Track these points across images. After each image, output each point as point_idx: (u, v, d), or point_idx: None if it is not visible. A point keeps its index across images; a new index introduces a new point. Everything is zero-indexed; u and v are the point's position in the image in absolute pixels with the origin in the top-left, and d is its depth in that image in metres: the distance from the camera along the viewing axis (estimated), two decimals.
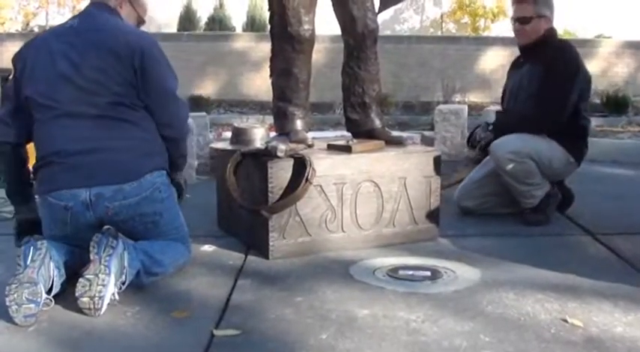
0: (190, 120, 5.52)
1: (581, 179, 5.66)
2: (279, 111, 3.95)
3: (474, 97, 11.56)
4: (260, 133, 3.81)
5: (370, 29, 3.89)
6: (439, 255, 3.65)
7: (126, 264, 2.86)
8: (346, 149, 3.72)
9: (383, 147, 3.86)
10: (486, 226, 4.24)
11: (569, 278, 3.29)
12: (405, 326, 2.70)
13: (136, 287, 3.05)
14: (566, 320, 2.78)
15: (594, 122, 8.67)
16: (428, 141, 6.54)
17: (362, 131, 4.02)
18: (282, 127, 3.93)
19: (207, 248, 3.75)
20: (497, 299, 3.01)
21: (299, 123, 3.91)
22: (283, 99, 3.92)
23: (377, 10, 3.98)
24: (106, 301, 2.76)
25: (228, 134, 5.81)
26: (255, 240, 3.64)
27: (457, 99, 10.96)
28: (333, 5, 3.92)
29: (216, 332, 2.64)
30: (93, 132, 2.97)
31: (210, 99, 10.72)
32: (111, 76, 2.99)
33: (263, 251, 3.55)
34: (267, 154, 3.51)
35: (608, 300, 3.01)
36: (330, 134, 4.87)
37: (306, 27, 3.79)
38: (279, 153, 3.45)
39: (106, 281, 2.73)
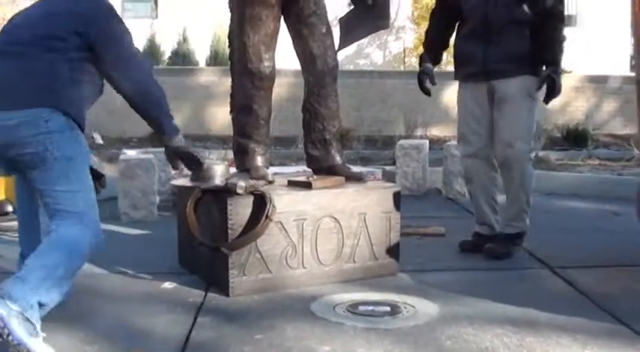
0: (152, 156, 5.53)
1: (540, 212, 5.75)
2: (240, 148, 3.97)
3: (436, 131, 11.67)
4: (220, 170, 3.80)
5: (330, 67, 3.93)
6: (399, 290, 3.67)
7: (25, 314, 2.66)
8: (306, 185, 3.74)
9: (343, 183, 3.88)
10: (446, 261, 4.28)
11: (527, 312, 3.32)
12: None
13: (95, 326, 3.03)
14: None
15: (555, 155, 8.79)
16: (389, 176, 6.59)
17: (322, 167, 4.05)
18: (243, 163, 3.95)
19: (168, 285, 3.73)
20: (456, 334, 3.03)
21: (259, 160, 3.93)
22: (244, 136, 3.94)
23: (337, 48, 4.02)
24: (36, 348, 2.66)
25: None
26: (215, 277, 3.64)
27: (419, 134, 11.04)
28: (294, 42, 3.96)
29: None
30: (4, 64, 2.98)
31: None
32: (56, 23, 3.02)
33: (223, 288, 3.54)
34: (226, 191, 3.51)
35: (566, 334, 3.04)
36: (291, 169, 4.89)
37: (266, 64, 3.82)
38: (238, 190, 3.46)
39: (21, 344, 2.61)
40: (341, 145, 4.16)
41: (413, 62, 17.30)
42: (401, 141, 6.64)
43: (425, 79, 4.41)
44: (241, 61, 3.85)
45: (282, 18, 3.89)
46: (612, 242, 4.78)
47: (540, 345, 2.92)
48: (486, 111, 4.32)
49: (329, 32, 3.95)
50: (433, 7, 4.57)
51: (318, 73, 3.93)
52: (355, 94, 11.61)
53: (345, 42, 4.05)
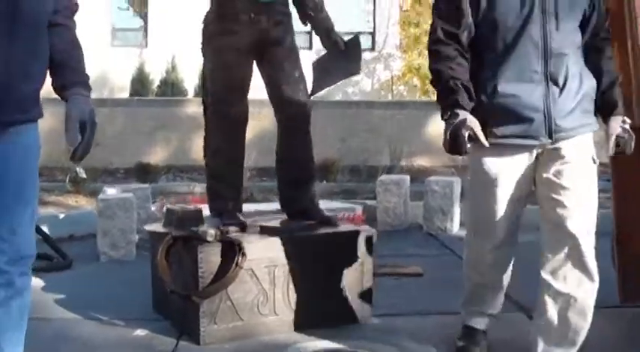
0: (131, 194, 5.54)
1: (524, 248, 5.74)
2: (212, 191, 4.00)
3: (422, 161, 11.68)
4: (193, 216, 3.82)
5: (303, 111, 3.96)
6: (370, 339, 3.65)
7: None
8: (280, 232, 3.75)
9: (316, 227, 3.89)
10: (422, 303, 4.26)
11: None
12: None
13: None
14: None
15: None
16: (371, 211, 6.59)
17: (295, 209, 4.06)
18: (215, 208, 3.97)
19: (140, 332, 3.73)
20: None
21: (231, 204, 3.95)
22: (217, 179, 3.97)
23: (310, 92, 4.05)
24: None
25: (173, 207, 5.83)
26: (186, 325, 3.64)
27: (404, 163, 11.05)
28: (267, 87, 3.99)
29: None
30: None
31: (158, 166, 10.69)
32: None
33: (194, 336, 3.54)
34: (197, 238, 3.52)
35: None
36: (272, 207, 4.89)
37: (239, 109, 3.86)
38: (208, 238, 3.48)
39: None
40: (314, 188, 4.17)
41: (400, 90, 17.35)
42: (381, 177, 6.66)
43: (464, 137, 2.88)
44: (214, 106, 3.88)
45: (254, 63, 3.93)
46: None
47: None
48: (527, 190, 3.14)
49: (302, 77, 3.99)
50: (433, 34, 3.04)
51: (291, 117, 3.96)
52: (341, 124, 11.64)
53: (318, 87, 4.08)
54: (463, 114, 2.88)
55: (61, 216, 6.27)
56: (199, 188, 8.21)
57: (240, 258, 3.46)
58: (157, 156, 11.59)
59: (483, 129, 2.90)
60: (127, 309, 4.09)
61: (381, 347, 3.51)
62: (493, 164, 3.03)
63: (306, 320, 3.75)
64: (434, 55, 3.02)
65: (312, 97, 4.05)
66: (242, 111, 3.87)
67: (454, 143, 2.88)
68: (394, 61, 17.81)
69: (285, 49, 3.93)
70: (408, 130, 12.00)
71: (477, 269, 3.43)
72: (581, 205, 2.97)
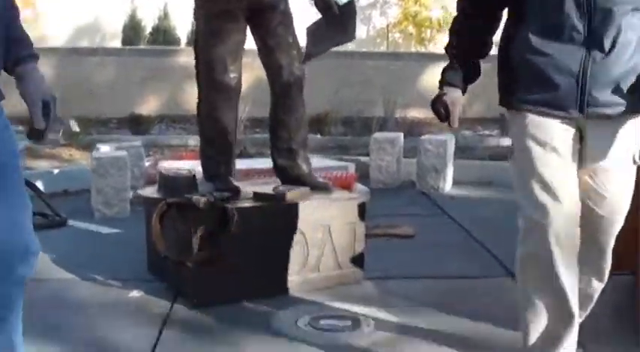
0: (125, 153, 5.57)
1: (514, 208, 5.81)
2: (206, 156, 4.04)
3: (416, 113, 11.66)
4: (187, 181, 3.86)
5: (296, 77, 3.98)
6: (361, 300, 3.73)
7: None
8: (272, 198, 3.79)
9: (308, 194, 3.93)
10: (412, 267, 4.33)
11: (483, 330, 3.38)
12: None
13: (63, 341, 3.12)
14: None
15: None
16: (364, 169, 6.63)
17: (289, 176, 4.10)
18: (209, 172, 4.01)
19: (135, 293, 3.80)
20: None
21: (224, 169, 3.99)
22: (210, 145, 4.01)
23: (303, 58, 4.05)
24: None
25: (166, 164, 5.86)
26: (181, 288, 3.71)
27: (397, 115, 11.05)
28: (260, 53, 4.00)
29: None
30: None
31: (151, 116, 10.68)
32: None
33: (189, 299, 3.61)
34: (191, 205, 3.57)
35: None
36: (264, 164, 4.91)
37: (232, 75, 3.87)
38: (201, 205, 3.52)
39: None
40: (308, 154, 4.20)
41: (396, 37, 17.22)
42: (375, 135, 6.69)
43: (440, 109, 2.73)
44: (207, 73, 3.90)
45: (247, 29, 3.93)
46: None
47: None
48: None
49: (295, 43, 3.99)
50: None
51: (284, 84, 3.98)
52: (335, 76, 11.61)
53: (312, 53, 4.09)
54: (447, 90, 2.73)
55: (56, 171, 6.31)
56: (192, 140, 8.24)
57: (233, 225, 3.51)
58: (149, 106, 11.58)
59: (511, 95, 2.64)
60: (122, 270, 4.16)
61: (370, 311, 3.58)
62: (524, 135, 2.60)
63: (299, 284, 3.82)
64: (453, 21, 2.80)
65: (305, 63, 4.05)
66: (236, 77, 3.88)
67: (435, 114, 2.75)
68: (390, 8, 17.67)
69: (278, 14, 3.93)
70: (402, 81, 11.97)
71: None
72: (614, 215, 2.70)
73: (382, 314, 3.56)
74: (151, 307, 3.63)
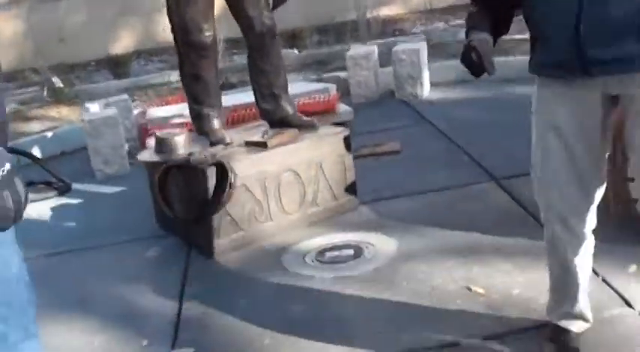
0: (114, 110, 5.78)
1: (491, 105, 6.05)
2: (195, 113, 4.27)
3: (387, 11, 11.73)
4: (182, 141, 4.11)
5: (268, 27, 4.17)
6: (360, 227, 4.05)
7: None
8: (262, 145, 4.06)
9: (297, 135, 4.19)
10: (401, 185, 4.60)
11: (473, 238, 3.71)
12: (335, 321, 3.13)
13: (91, 312, 3.45)
14: (470, 289, 3.23)
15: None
16: (344, 85, 6.82)
17: (275, 119, 4.34)
18: (201, 127, 4.26)
19: (152, 253, 4.10)
20: (411, 274, 3.45)
21: (215, 123, 4.24)
22: (197, 102, 4.24)
23: (272, 6, 4.24)
24: None
25: (153, 111, 6.09)
26: (193, 241, 4.01)
27: (369, 16, 11.12)
28: (230, 9, 4.18)
29: None
30: None
31: (127, 53, 10.79)
32: None
33: (203, 251, 3.92)
34: (190, 165, 3.83)
35: (507, 260, 3.45)
36: (248, 99, 5.11)
37: (206, 34, 4.07)
38: (200, 166, 3.78)
39: None
40: (289, 95, 4.43)
41: None
42: (350, 52, 6.86)
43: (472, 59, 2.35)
44: (183, 35, 4.09)
45: None
46: None
47: (485, 276, 3.33)
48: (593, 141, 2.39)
49: None
50: None
51: (257, 35, 4.18)
52: None
53: (277, 3, 4.26)
54: (473, 37, 2.38)
55: (49, 134, 6.50)
56: (174, 76, 8.37)
57: (232, 179, 3.78)
58: (124, 43, 11.63)
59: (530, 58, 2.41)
60: (134, 229, 4.44)
61: (369, 237, 3.89)
62: (544, 107, 2.45)
63: (300, 220, 4.13)
64: None
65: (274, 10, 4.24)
66: (210, 36, 4.08)
67: (467, 68, 2.42)
68: None
69: None
70: None
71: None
72: None
73: (380, 238, 3.87)
74: (169, 263, 3.95)
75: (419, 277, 3.41)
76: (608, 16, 2.12)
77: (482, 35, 2.39)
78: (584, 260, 2.65)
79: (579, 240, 2.58)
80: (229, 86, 7.46)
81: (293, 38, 9.72)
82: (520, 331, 2.88)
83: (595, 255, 3.22)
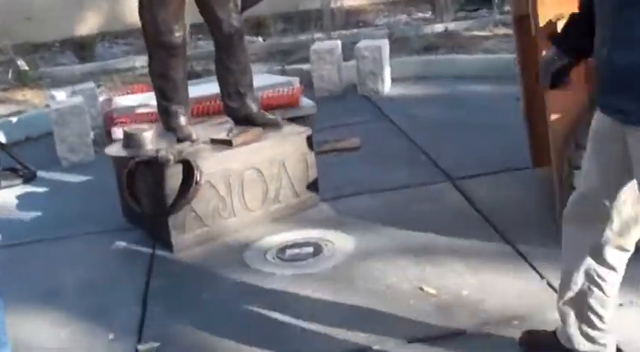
0: (80, 99, 5.87)
1: (449, 102, 6.25)
2: (163, 110, 4.40)
3: (352, 1, 11.81)
4: (150, 136, 4.23)
5: (236, 29, 4.31)
6: (320, 224, 4.22)
7: None
8: (227, 143, 4.19)
9: (261, 134, 4.33)
10: (361, 182, 4.77)
11: (428, 238, 3.89)
12: (294, 318, 3.27)
13: (61, 305, 3.56)
14: (422, 289, 3.41)
15: (463, 25, 9.12)
16: (308, 78, 6.96)
17: (240, 117, 4.49)
18: (168, 123, 4.39)
19: (118, 244, 4.22)
20: (367, 273, 3.62)
21: (182, 120, 4.37)
22: (165, 99, 4.36)
23: (240, 8, 4.37)
24: None
25: (119, 100, 6.17)
26: (159, 235, 4.14)
27: (333, 6, 11.22)
28: (200, 11, 4.31)
29: (140, 348, 3.17)
30: None
31: (92, 34, 10.80)
32: None
33: (168, 245, 4.05)
34: (158, 162, 3.95)
35: (460, 260, 3.64)
36: (213, 90, 5.21)
37: (176, 34, 4.19)
38: (168, 163, 3.91)
39: None
40: (254, 94, 4.57)
41: None
42: (314, 46, 7.00)
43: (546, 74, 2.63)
44: (154, 35, 4.21)
45: None
46: (509, 139, 4.81)
47: (437, 276, 3.52)
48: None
49: None
50: None
51: (225, 36, 4.31)
52: None
53: (246, 4, 4.39)
54: (554, 53, 2.62)
55: (14, 119, 6.56)
56: (139, 61, 8.44)
57: (198, 176, 3.92)
58: (89, 24, 11.62)
59: None
60: (101, 221, 4.54)
61: (329, 234, 4.05)
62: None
63: (263, 217, 4.28)
64: None
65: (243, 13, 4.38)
66: (180, 36, 4.21)
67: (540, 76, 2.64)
68: None
69: None
70: None
71: None
72: None
73: (339, 236, 4.04)
74: (134, 256, 4.07)
75: (374, 276, 3.58)
76: (616, 65, 2.23)
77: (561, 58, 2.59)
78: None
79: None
80: (194, 75, 7.55)
81: (258, 26, 9.83)
82: (465, 332, 3.06)
83: (541, 258, 3.47)
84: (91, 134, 5.93)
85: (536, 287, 3.37)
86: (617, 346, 2.78)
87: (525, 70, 4.17)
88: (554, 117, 3.61)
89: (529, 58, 3.97)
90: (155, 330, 3.31)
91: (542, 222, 3.89)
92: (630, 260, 3.25)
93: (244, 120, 4.47)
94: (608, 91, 2.30)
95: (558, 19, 3.40)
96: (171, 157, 3.92)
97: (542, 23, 3.49)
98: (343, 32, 9.31)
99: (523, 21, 3.82)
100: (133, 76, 8.23)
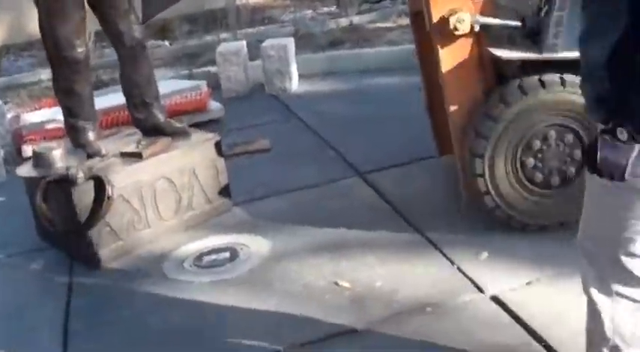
0: None
1: (355, 98, 6.38)
2: (71, 126, 4.40)
3: None
4: (59, 154, 4.23)
5: (137, 40, 4.34)
6: (234, 228, 4.29)
7: None
8: (137, 156, 4.24)
9: (170, 144, 4.38)
10: (272, 184, 4.84)
11: (340, 234, 4.01)
12: (213, 326, 3.36)
13: None
14: (337, 284, 3.53)
15: (367, 18, 9.26)
16: (215, 80, 7.00)
17: (148, 127, 4.53)
18: (76, 140, 4.40)
19: (35, 266, 4.22)
20: (284, 274, 3.72)
21: (91, 135, 4.38)
22: (72, 116, 4.37)
23: (141, 20, 4.40)
24: None
25: (28, 116, 6.14)
26: (76, 253, 4.16)
27: (239, 3, 11.26)
28: (101, 24, 4.33)
29: None
30: None
31: None
32: None
33: (85, 262, 4.07)
34: (68, 180, 3.97)
35: (371, 253, 3.77)
36: (120, 100, 5.22)
37: (79, 50, 4.20)
38: (78, 181, 3.93)
39: None
40: (161, 104, 4.61)
41: None
42: (219, 48, 7.05)
43: None
44: (55, 51, 4.20)
45: (85, 4, 4.22)
46: (415, 130, 4.88)
47: (351, 270, 3.64)
48: None
49: (131, 8, 4.32)
50: None
51: (127, 48, 4.34)
52: None
53: (149, 13, 4.42)
54: None
55: None
56: (45, 74, 8.34)
57: (110, 192, 3.96)
58: None
59: None
60: (17, 241, 4.51)
61: (243, 238, 4.14)
62: None
63: (177, 226, 4.34)
64: None
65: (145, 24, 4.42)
66: (83, 51, 4.21)
67: None
68: None
69: None
70: None
71: None
72: None
73: (254, 239, 4.12)
74: (52, 276, 4.08)
75: (291, 276, 3.69)
76: None
77: None
78: None
79: None
80: (101, 85, 7.52)
81: (163, 30, 9.80)
82: (380, 323, 3.19)
83: (451, 244, 3.63)
84: (1, 152, 5.87)
85: (447, 273, 3.54)
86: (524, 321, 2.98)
87: (423, 63, 4.32)
88: (452, 108, 3.76)
89: (426, 52, 4.11)
90: (78, 350, 3.35)
91: (450, 209, 4.07)
92: (535, 238, 3.47)
93: (152, 130, 4.51)
94: None
95: (451, 15, 3.58)
96: (81, 175, 3.95)
97: (435, 19, 3.62)
98: (250, 30, 9.37)
99: (419, 16, 3.94)
100: (39, 89, 8.13)
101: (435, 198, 4.32)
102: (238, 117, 6.20)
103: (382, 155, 5.01)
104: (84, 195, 3.98)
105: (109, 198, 3.96)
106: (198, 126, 5.59)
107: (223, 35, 9.06)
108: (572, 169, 3.68)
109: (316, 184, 4.75)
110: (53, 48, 4.21)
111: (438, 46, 3.68)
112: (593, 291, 2.18)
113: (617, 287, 2.13)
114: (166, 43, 9.62)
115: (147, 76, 4.47)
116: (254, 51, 7.30)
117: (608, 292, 2.15)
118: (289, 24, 9.53)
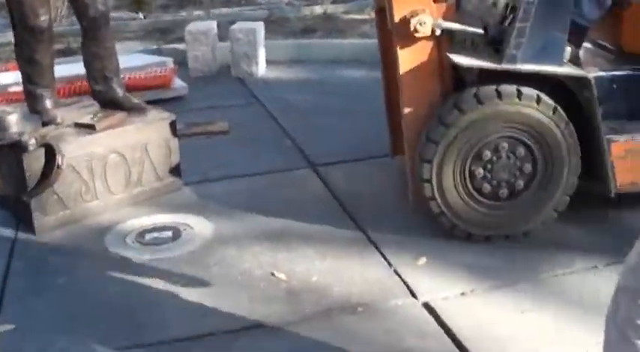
0: None
1: (321, 88, 6.41)
2: (30, 93, 4.42)
3: None
4: (14, 119, 4.22)
5: (101, 12, 4.36)
6: (181, 208, 4.33)
7: None
8: (91, 127, 4.26)
9: (125, 119, 4.41)
10: (227, 166, 4.88)
11: (284, 224, 4.06)
12: (147, 303, 3.41)
13: None
14: (273, 274, 3.59)
15: (342, 8, 9.27)
16: (183, 56, 7.01)
17: (106, 100, 4.55)
18: (33, 106, 4.42)
19: None
20: (222, 259, 3.76)
21: (48, 103, 4.40)
22: (32, 83, 4.39)
23: None
24: None
25: None
26: (22, 217, 4.17)
27: None
28: None
29: None
30: None
31: None
32: None
33: (30, 227, 4.09)
34: (20, 146, 3.99)
35: (311, 246, 3.82)
36: (83, 71, 5.21)
37: (42, 19, 4.21)
38: (30, 147, 3.95)
39: None
40: (120, 78, 4.63)
41: None
42: (189, 27, 7.05)
43: None
44: (20, 18, 4.21)
45: None
46: (376, 126, 4.83)
47: (289, 262, 3.69)
48: None
49: None
50: None
51: (91, 20, 4.36)
52: None
53: None
54: None
55: None
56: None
57: (60, 161, 3.98)
58: None
59: None
60: None
61: (189, 219, 4.18)
62: None
63: (125, 200, 4.38)
64: None
65: None
66: (46, 20, 4.22)
67: None
68: None
69: None
70: None
71: None
72: None
73: (199, 220, 4.17)
74: None
75: (229, 261, 3.73)
76: None
77: None
78: None
79: None
80: (70, 53, 7.49)
81: (138, 2, 9.76)
82: (310, 318, 3.25)
83: (391, 246, 3.69)
84: None
85: (383, 275, 3.58)
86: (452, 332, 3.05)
87: (385, 60, 4.33)
88: (407, 110, 3.79)
89: (388, 50, 4.11)
90: (12, 312, 3.39)
91: (397, 210, 4.13)
92: (478, 249, 3.50)
93: (110, 103, 4.54)
94: None
95: (412, 16, 3.62)
96: (33, 141, 3.96)
97: (396, 19, 3.65)
98: (224, 10, 9.35)
99: (382, 13, 3.94)
100: (10, 51, 8.05)
101: (383, 197, 4.37)
102: (202, 98, 6.22)
103: (339, 149, 5.05)
104: (34, 162, 4.00)
105: (58, 166, 3.98)
106: (160, 102, 5.63)
107: (197, 12, 9.04)
108: (521, 182, 3.73)
109: (269, 171, 4.78)
110: (18, 15, 4.23)
111: (398, 47, 3.71)
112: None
113: None
114: (141, 15, 9.57)
115: (109, 49, 4.49)
116: (224, 32, 7.30)
117: None
118: (265, 7, 9.53)
